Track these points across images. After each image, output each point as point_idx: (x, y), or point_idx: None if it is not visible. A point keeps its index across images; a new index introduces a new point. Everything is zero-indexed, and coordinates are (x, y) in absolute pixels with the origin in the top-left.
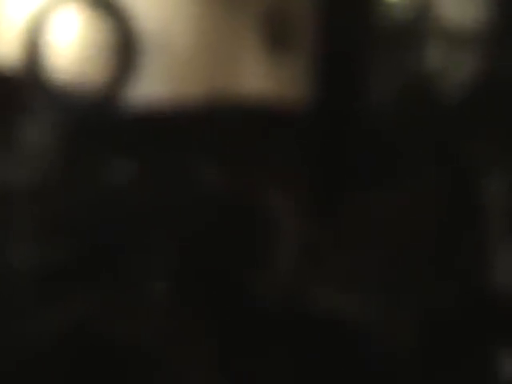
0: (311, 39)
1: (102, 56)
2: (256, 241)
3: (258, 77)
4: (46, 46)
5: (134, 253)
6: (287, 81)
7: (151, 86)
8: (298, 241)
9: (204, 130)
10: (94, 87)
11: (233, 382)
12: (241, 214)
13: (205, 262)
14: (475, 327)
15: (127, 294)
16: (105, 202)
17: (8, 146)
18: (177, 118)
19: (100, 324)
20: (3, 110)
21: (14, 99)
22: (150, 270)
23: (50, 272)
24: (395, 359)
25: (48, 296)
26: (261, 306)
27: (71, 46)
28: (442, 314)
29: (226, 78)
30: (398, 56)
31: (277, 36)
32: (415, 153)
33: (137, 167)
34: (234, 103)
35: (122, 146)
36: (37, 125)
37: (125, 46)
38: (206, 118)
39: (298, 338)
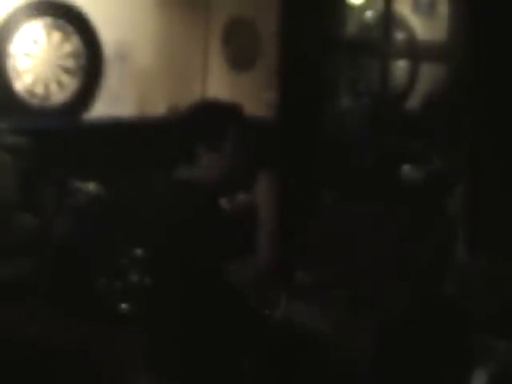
0: (272, 55)
1: (66, 70)
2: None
3: (220, 91)
4: (9, 61)
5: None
6: (248, 95)
7: (115, 101)
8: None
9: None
10: (58, 101)
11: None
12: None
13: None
14: (435, 335)
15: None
16: (70, 213)
17: None
18: (140, 130)
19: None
20: None
21: None
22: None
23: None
24: (354, 367)
25: None
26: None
27: (34, 62)
28: (402, 324)
29: (188, 93)
30: (359, 69)
31: (238, 52)
32: (379, 160)
33: (102, 180)
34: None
35: (85, 158)
36: None
37: (89, 62)
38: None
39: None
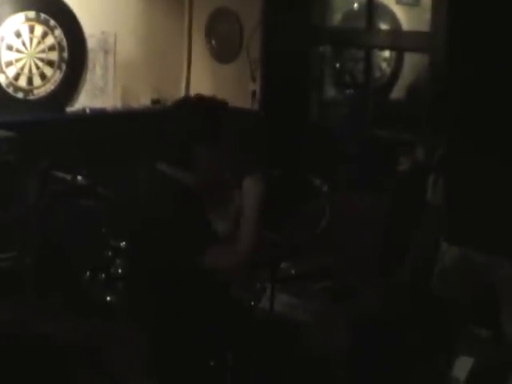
0: (256, 47)
1: (50, 63)
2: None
3: (204, 83)
4: None
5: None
6: (232, 87)
7: (98, 93)
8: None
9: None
10: (41, 94)
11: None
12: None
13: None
14: (417, 325)
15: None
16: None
17: None
18: (124, 121)
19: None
20: None
21: None
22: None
23: None
24: (335, 358)
25: None
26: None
27: (17, 55)
28: (383, 313)
29: (172, 85)
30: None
31: (222, 44)
32: (364, 151)
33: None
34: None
35: (69, 150)
36: None
37: (72, 55)
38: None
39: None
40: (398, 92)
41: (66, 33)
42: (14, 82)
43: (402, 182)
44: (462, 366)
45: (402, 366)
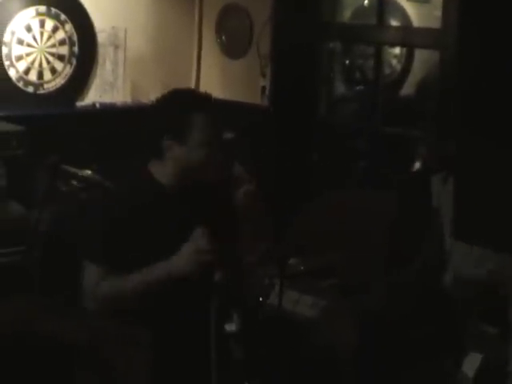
0: (266, 43)
1: (60, 58)
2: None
3: (213, 79)
4: (2, 49)
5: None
6: (242, 83)
7: (108, 88)
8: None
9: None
10: (52, 88)
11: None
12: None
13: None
14: (426, 322)
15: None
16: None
17: None
18: (134, 116)
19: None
20: None
21: None
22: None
23: None
24: (343, 355)
25: None
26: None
27: (28, 50)
28: (392, 310)
29: (181, 80)
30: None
31: (231, 40)
32: (373, 147)
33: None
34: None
35: (79, 144)
36: None
37: (82, 50)
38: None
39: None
40: (408, 89)
41: (77, 27)
42: (24, 76)
43: (411, 178)
44: (471, 363)
45: (409, 363)
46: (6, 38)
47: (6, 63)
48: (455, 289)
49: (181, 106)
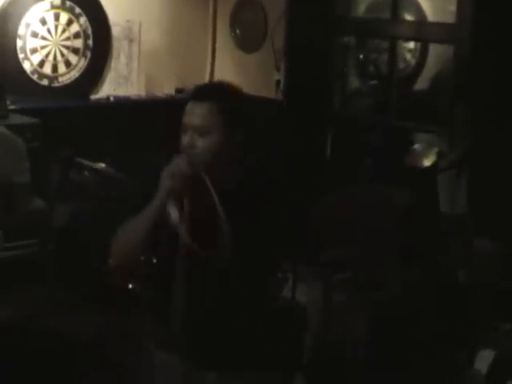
0: (280, 36)
1: (74, 51)
2: None
3: (228, 72)
4: (17, 42)
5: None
6: (256, 77)
7: (123, 81)
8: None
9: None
10: (66, 81)
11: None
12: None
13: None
14: (439, 316)
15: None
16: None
17: None
18: (148, 110)
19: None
20: None
21: None
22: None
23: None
24: (354, 349)
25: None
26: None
27: (42, 42)
28: (406, 306)
29: (196, 74)
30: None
31: (246, 34)
32: (387, 142)
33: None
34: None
35: (93, 137)
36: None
37: (97, 43)
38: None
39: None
40: (422, 83)
41: (91, 20)
42: (38, 68)
43: (425, 173)
44: (484, 359)
45: (422, 359)
46: (21, 30)
47: (21, 56)
48: (469, 285)
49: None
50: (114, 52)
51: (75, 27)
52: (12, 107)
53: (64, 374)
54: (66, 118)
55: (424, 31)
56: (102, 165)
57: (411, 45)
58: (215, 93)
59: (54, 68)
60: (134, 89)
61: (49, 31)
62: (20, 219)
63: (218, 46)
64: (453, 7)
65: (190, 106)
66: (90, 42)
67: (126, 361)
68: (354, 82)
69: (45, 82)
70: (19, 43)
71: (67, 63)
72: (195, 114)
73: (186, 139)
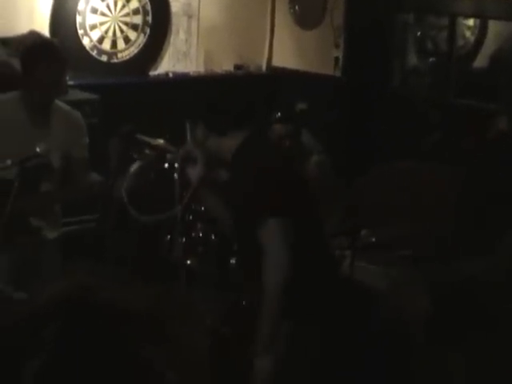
0: (339, 13)
1: (133, 27)
2: None
3: (286, 49)
4: (77, 18)
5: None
6: (315, 53)
7: (182, 57)
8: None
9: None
10: (125, 57)
11: None
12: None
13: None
14: (494, 297)
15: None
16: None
17: None
18: (207, 86)
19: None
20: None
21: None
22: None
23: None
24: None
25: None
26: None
27: (101, 19)
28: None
29: (254, 51)
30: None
31: (305, 10)
32: (445, 120)
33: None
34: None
35: (152, 113)
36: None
37: (156, 19)
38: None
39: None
40: (481, 60)
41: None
42: (98, 45)
43: (485, 152)
44: None
45: (478, 334)
46: (80, 6)
47: (80, 32)
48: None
49: None
50: (173, 28)
51: (134, 3)
52: (71, 83)
53: (122, 347)
54: (125, 94)
55: (483, 8)
56: (161, 141)
57: (470, 22)
58: None
59: (113, 44)
60: (192, 65)
61: (108, 7)
62: (79, 194)
63: (276, 22)
64: None
65: None
66: (149, 18)
67: (182, 334)
68: (413, 60)
69: (104, 58)
70: (79, 19)
71: (126, 39)
72: None
73: None
